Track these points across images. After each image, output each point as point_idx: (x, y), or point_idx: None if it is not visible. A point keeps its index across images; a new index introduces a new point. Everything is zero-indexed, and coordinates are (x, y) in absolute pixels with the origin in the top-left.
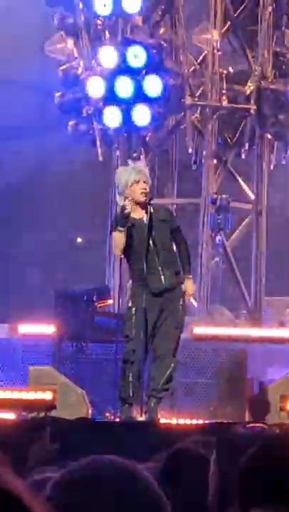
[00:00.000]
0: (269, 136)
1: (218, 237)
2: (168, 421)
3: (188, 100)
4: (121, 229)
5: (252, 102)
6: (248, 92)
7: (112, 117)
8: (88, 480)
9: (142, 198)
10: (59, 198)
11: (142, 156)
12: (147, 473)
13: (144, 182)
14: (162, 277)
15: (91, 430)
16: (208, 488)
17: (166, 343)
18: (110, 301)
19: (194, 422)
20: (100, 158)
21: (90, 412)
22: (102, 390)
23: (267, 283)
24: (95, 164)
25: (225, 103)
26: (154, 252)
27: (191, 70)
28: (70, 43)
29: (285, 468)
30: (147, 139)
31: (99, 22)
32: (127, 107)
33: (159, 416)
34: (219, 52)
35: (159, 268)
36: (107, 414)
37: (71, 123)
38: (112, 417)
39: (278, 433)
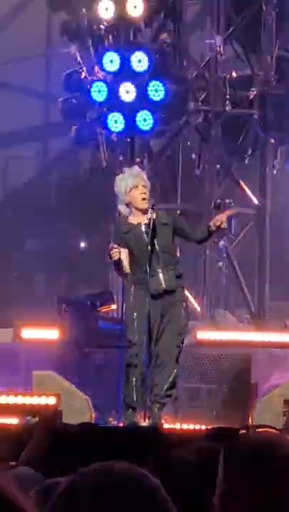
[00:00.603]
0: (272, 141)
1: (221, 242)
2: (172, 426)
3: (191, 105)
4: (115, 259)
5: (255, 106)
6: (252, 96)
7: (116, 122)
8: (98, 486)
9: (144, 206)
10: (62, 203)
11: (144, 161)
12: (156, 479)
13: (143, 186)
14: (162, 279)
15: (95, 435)
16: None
17: (169, 349)
18: (114, 307)
19: (198, 427)
20: (104, 163)
21: (93, 417)
22: (106, 395)
23: (270, 288)
24: (98, 169)
25: (228, 108)
26: (155, 255)
27: (194, 74)
28: (73, 47)
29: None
30: (151, 144)
31: (102, 27)
32: (130, 111)
33: (162, 421)
34: (222, 57)
35: (159, 270)
36: (111, 419)
37: (74, 128)
38: (116, 422)
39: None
